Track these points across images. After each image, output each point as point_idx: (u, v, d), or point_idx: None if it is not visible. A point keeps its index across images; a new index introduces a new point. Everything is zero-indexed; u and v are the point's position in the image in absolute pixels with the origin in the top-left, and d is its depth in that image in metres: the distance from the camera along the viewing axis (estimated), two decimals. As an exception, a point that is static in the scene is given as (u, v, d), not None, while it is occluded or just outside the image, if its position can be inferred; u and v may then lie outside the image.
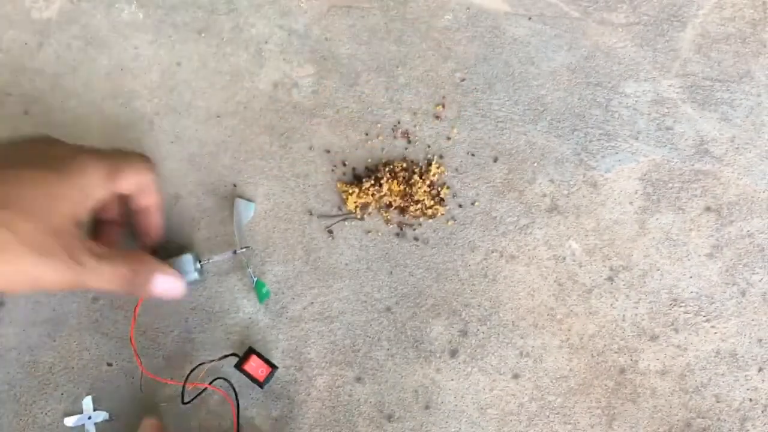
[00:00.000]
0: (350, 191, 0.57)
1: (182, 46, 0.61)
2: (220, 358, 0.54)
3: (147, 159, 0.48)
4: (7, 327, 0.56)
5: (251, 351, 0.54)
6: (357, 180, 0.59)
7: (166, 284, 0.46)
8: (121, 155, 0.47)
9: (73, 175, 0.39)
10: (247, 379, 0.53)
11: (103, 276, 0.41)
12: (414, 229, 0.59)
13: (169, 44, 0.61)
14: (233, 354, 0.54)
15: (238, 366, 0.53)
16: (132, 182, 0.45)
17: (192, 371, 0.54)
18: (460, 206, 0.60)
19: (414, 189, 0.58)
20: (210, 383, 0.54)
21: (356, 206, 0.58)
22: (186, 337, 0.57)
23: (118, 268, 0.42)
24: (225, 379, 0.54)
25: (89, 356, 0.56)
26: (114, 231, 0.51)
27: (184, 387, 0.52)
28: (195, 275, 0.51)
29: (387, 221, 0.58)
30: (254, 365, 0.53)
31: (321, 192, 0.59)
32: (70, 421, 0.54)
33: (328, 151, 0.60)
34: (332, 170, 0.60)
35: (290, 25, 0.62)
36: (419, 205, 0.58)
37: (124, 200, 0.48)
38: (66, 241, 0.38)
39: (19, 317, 0.56)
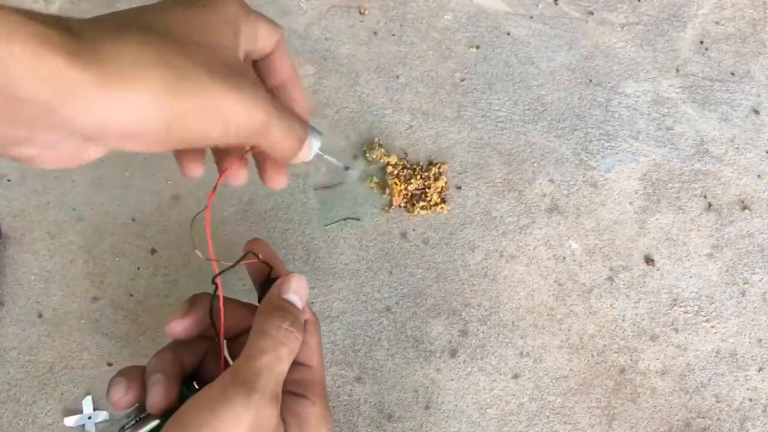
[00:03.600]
0: (399, 186, 0.58)
1: (182, 46, 0.61)
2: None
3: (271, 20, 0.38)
4: (7, 327, 0.56)
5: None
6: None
7: (305, 153, 0.38)
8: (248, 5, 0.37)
9: (217, 5, 0.33)
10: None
11: (284, 129, 0.33)
12: (414, 230, 0.59)
13: (169, 44, 0.61)
14: (268, 264, 0.43)
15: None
16: (264, 32, 0.36)
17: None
18: (461, 206, 0.60)
19: (417, 187, 0.58)
20: None
21: (402, 198, 0.59)
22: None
23: (292, 121, 0.34)
24: None
25: (89, 356, 0.56)
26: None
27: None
28: (316, 149, 0.41)
29: (409, 211, 0.59)
30: None
31: (321, 192, 0.59)
32: (70, 421, 0.54)
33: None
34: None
35: (290, 25, 0.62)
36: (423, 203, 0.58)
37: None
38: (243, 71, 0.31)
39: (19, 317, 0.56)
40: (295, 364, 0.37)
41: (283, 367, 0.33)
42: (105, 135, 0.27)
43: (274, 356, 0.33)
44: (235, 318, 0.38)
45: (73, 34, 0.26)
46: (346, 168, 0.46)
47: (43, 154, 0.28)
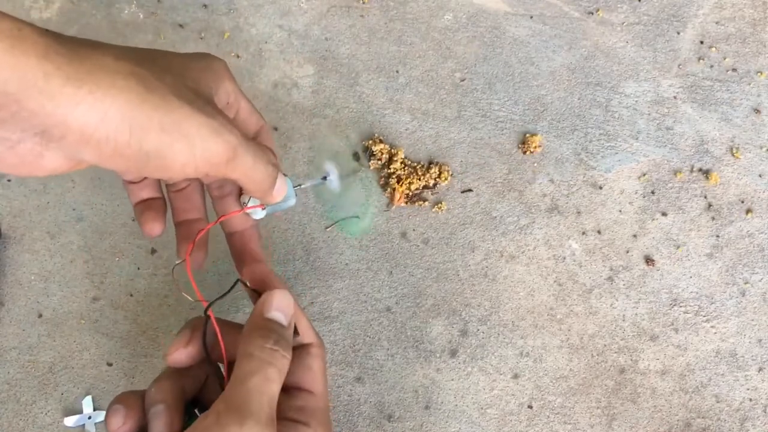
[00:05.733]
0: (399, 187, 0.58)
1: (182, 46, 0.61)
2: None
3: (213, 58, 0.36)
4: (7, 327, 0.56)
5: None
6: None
7: (282, 190, 0.38)
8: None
9: (204, 57, 0.34)
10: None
11: (254, 156, 0.32)
12: (414, 230, 0.59)
13: (169, 44, 0.61)
14: (257, 291, 0.41)
15: None
16: (248, 110, 0.37)
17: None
18: (461, 206, 0.60)
19: (417, 187, 0.58)
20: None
21: (402, 198, 0.59)
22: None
23: (262, 151, 0.33)
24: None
25: (89, 356, 0.56)
26: None
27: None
28: (293, 200, 0.42)
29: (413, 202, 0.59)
30: None
31: (321, 192, 0.59)
32: (70, 421, 0.54)
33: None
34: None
35: (290, 25, 0.62)
36: (420, 199, 0.58)
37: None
38: (216, 108, 0.31)
39: (20, 317, 0.56)
40: (297, 389, 0.36)
41: (273, 388, 0.32)
42: (66, 134, 0.27)
43: (262, 378, 0.31)
44: (234, 342, 0.37)
45: (51, 37, 0.27)
46: (324, 178, 0.46)
47: (0, 153, 0.28)
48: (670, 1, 0.64)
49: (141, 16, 0.62)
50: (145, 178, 0.39)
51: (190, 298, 0.36)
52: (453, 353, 0.57)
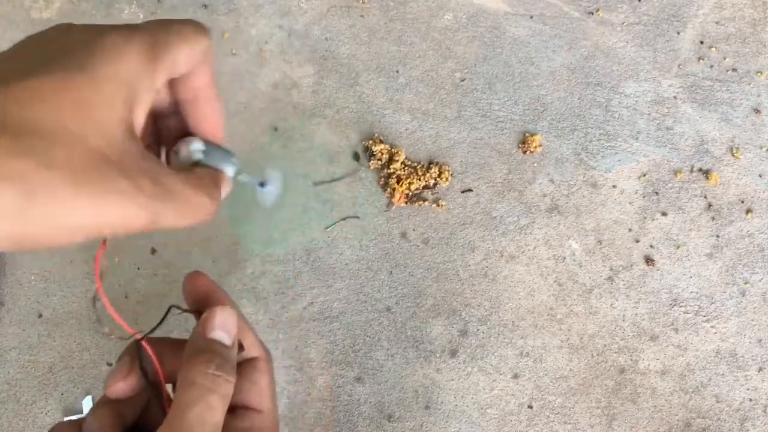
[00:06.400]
0: (398, 187, 0.58)
1: (182, 46, 0.61)
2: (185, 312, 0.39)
3: (196, 23, 0.31)
4: (7, 327, 0.56)
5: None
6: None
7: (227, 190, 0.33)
8: (161, 25, 0.29)
9: (102, 66, 0.26)
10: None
11: (188, 205, 0.28)
12: (414, 230, 0.59)
13: (169, 44, 0.61)
14: (195, 312, 0.40)
15: None
16: (184, 57, 0.30)
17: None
18: (461, 206, 0.60)
19: (417, 187, 0.58)
20: None
21: (402, 198, 0.59)
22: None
23: (201, 192, 0.29)
24: None
25: (89, 356, 0.56)
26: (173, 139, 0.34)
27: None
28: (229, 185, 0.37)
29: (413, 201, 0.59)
30: None
31: (321, 192, 0.59)
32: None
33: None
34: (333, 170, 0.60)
35: (290, 25, 0.62)
36: (420, 199, 0.58)
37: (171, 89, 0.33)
38: (123, 163, 0.26)
39: (20, 317, 0.56)
40: (243, 409, 0.34)
41: (216, 416, 0.30)
42: None
43: (205, 407, 0.30)
44: (176, 362, 0.34)
45: None
46: (262, 184, 0.39)
47: None
48: (670, 1, 0.64)
49: (141, 16, 0.62)
50: None
51: (125, 330, 0.33)
52: (453, 353, 0.57)
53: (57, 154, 0.24)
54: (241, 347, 0.35)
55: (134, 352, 0.34)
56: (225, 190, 0.33)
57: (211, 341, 0.32)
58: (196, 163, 0.32)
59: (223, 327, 0.33)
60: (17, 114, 0.24)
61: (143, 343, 0.33)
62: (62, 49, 0.27)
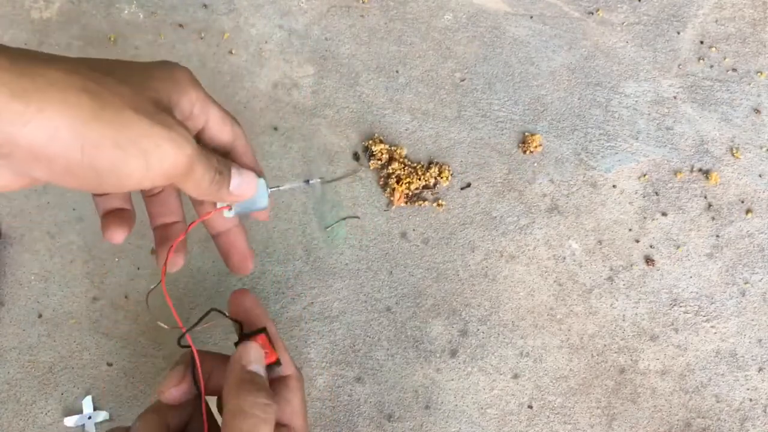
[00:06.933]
0: (398, 187, 0.58)
1: (182, 46, 0.61)
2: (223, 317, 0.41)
3: (178, 68, 0.35)
4: (7, 327, 0.56)
5: (263, 330, 0.40)
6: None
7: (242, 180, 0.37)
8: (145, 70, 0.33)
9: (166, 66, 0.33)
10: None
11: (208, 163, 0.32)
12: (414, 230, 0.59)
13: (169, 44, 0.61)
14: (236, 320, 0.42)
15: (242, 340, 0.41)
16: (219, 118, 0.36)
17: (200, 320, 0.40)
18: (461, 206, 0.60)
19: (417, 187, 0.58)
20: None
21: (402, 197, 0.59)
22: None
23: (208, 159, 0.33)
24: None
25: (89, 356, 0.56)
26: None
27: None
28: (265, 202, 0.42)
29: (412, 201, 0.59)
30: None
31: (321, 192, 0.59)
32: (70, 421, 0.54)
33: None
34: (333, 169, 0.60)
35: (290, 25, 0.62)
36: (420, 198, 0.58)
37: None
38: (171, 116, 0.30)
39: (20, 317, 0.56)
40: (277, 426, 0.35)
41: None
42: (14, 151, 0.26)
43: None
44: (222, 375, 0.37)
45: (3, 54, 0.25)
46: (307, 182, 0.44)
47: None
48: (670, 1, 0.64)
49: (141, 16, 0.62)
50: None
51: (165, 326, 0.36)
52: (453, 353, 0.57)
53: (126, 90, 0.28)
54: (278, 363, 0.37)
55: (188, 361, 0.36)
56: (244, 190, 0.36)
57: (253, 373, 0.34)
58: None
59: (258, 361, 0.35)
60: (105, 66, 0.29)
61: (194, 352, 0.35)
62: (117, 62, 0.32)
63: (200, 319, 0.37)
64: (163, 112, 0.30)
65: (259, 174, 0.39)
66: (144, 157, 0.28)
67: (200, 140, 0.36)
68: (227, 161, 0.36)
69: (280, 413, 0.36)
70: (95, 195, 0.38)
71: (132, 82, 0.29)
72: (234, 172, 0.36)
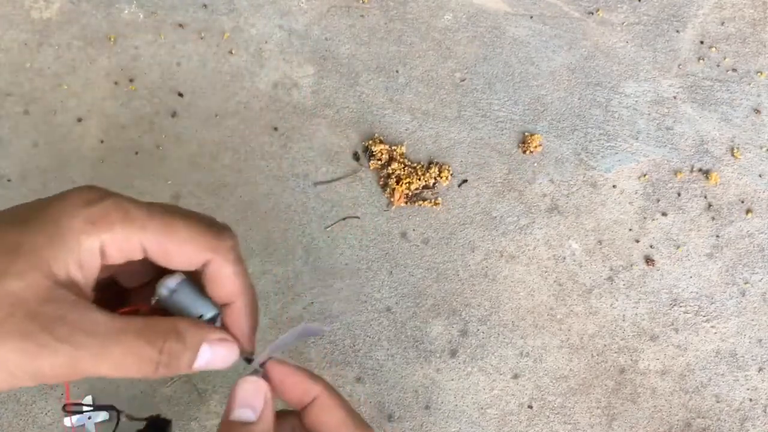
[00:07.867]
0: (398, 187, 0.58)
1: (182, 46, 0.61)
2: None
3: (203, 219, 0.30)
4: (7, 327, 0.56)
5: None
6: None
7: (216, 355, 0.31)
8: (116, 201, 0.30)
9: (44, 222, 0.27)
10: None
11: (112, 359, 0.28)
12: (414, 230, 0.59)
13: (169, 44, 0.61)
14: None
15: None
16: (183, 237, 0.29)
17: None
18: (461, 206, 0.60)
19: (417, 187, 0.58)
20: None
21: (402, 197, 0.59)
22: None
23: (134, 348, 0.28)
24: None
25: (89, 356, 0.56)
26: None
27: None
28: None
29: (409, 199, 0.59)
30: None
31: (321, 192, 0.59)
32: (70, 421, 0.54)
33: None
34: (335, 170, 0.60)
35: (290, 25, 0.62)
36: (420, 198, 0.58)
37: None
38: (43, 313, 0.26)
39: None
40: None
41: None
42: None
43: None
44: (300, 387, 0.35)
45: None
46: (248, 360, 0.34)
47: None
48: (670, 1, 0.64)
49: (141, 16, 0.62)
50: None
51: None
52: (453, 353, 0.57)
53: None
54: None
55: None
56: (199, 339, 0.30)
57: (231, 425, 0.31)
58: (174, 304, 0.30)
59: (246, 403, 0.32)
60: None
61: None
62: (26, 206, 0.28)
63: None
64: (19, 320, 0.26)
65: (246, 353, 0.33)
66: (12, 380, 0.25)
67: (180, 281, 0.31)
68: (201, 330, 0.30)
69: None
70: None
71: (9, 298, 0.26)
72: (204, 347, 0.30)
